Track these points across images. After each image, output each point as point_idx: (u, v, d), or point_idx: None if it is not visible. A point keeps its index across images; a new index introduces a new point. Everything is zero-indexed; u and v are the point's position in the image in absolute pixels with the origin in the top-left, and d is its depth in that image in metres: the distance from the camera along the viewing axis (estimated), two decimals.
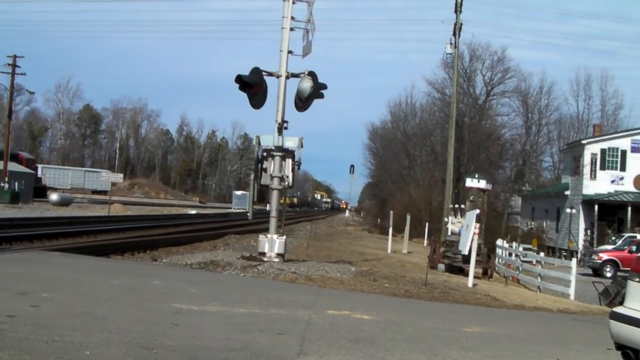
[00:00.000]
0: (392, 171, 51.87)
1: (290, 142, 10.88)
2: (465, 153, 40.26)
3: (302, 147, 10.82)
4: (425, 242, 31.41)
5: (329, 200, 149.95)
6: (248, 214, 11.71)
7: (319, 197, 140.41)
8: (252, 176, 11.36)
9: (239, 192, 62.06)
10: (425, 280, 10.16)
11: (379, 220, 50.02)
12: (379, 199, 59.11)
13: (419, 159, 47.44)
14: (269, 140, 10.85)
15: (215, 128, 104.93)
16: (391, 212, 23.15)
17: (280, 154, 10.86)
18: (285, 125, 10.84)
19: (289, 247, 17.60)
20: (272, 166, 11.02)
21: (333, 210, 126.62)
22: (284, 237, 11.13)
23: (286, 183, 11.09)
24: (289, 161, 11.08)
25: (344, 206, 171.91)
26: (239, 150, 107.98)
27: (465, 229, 12.85)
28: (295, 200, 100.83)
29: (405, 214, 25.37)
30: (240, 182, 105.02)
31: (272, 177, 11.04)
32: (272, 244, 10.93)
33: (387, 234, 27.34)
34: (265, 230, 11.37)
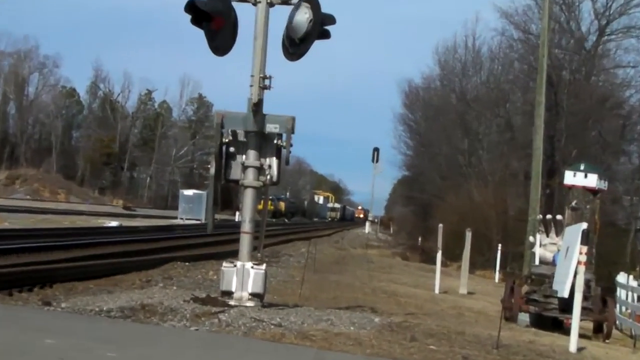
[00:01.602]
0: (441, 158, 52.03)
1: (274, 127, 10.98)
2: (563, 129, 40.20)
3: (293, 131, 10.89)
4: (497, 276, 31.54)
5: (337, 205, 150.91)
6: (206, 224, 11.89)
7: (321, 201, 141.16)
8: (212, 166, 11.40)
9: (189, 192, 62.28)
10: (497, 341, 10.13)
11: (419, 239, 50.27)
12: (420, 205, 59.36)
13: (486, 138, 47.57)
14: (238, 122, 10.93)
15: (152, 86, 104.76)
16: (440, 226, 23.21)
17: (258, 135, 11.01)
18: (266, 82, 10.84)
19: (273, 282, 17.40)
20: (244, 151, 11.08)
21: (344, 222, 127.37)
22: (264, 266, 11.15)
23: (268, 177, 11.12)
24: (272, 144, 11.15)
25: (361, 215, 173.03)
26: (190, 123, 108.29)
27: (564, 255, 12.81)
28: (282, 205, 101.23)
29: (463, 230, 25.47)
30: (191, 176, 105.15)
31: (245, 168, 11.06)
32: (243, 277, 10.95)
33: (433, 262, 27.36)
34: (233, 255, 11.41)
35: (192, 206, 58.93)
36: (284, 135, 10.93)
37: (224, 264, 11.14)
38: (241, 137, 11.03)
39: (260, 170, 10.97)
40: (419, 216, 58.74)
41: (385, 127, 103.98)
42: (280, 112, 11.08)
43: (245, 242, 10.94)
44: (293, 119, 10.87)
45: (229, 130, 11.00)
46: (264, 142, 10.97)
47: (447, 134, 50.84)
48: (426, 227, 49.41)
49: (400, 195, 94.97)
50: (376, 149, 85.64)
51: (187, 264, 20.61)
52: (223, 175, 11.10)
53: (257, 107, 10.69)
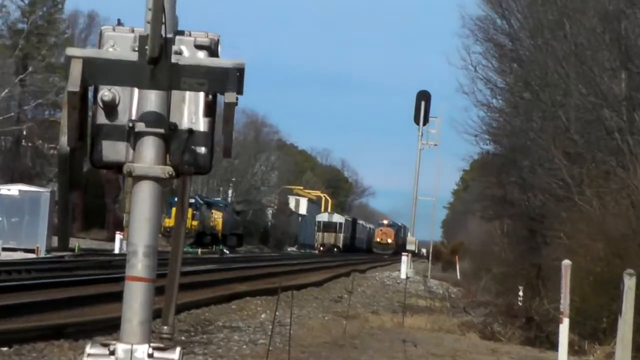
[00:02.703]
0: (567, 114, 51.96)
1: (198, 84, 10.89)
2: None
3: (240, 91, 10.72)
4: None
5: (338, 218, 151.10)
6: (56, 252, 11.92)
7: (303, 209, 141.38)
8: (64, 132, 11.28)
9: (11, 191, 61.75)
10: None
11: (519, 291, 50.06)
12: (522, 217, 59.37)
13: None
14: (120, 76, 10.83)
15: None
16: (564, 263, 23.22)
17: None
18: None
19: None
20: (132, 99, 10.96)
21: (353, 254, 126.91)
22: (177, 353, 11.07)
23: (186, 157, 10.97)
24: (198, 94, 11.02)
25: (390, 239, 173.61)
26: (14, 38, 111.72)
27: None
28: (216, 219, 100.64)
29: (617, 273, 25.38)
30: (18, 156, 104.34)
31: (135, 136, 10.91)
32: None
33: (550, 343, 27.12)
34: (110, 329, 11.35)
35: (17, 221, 58.59)
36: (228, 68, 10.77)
37: (89, 349, 10.97)
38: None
39: (169, 141, 10.74)
40: (520, 241, 58.83)
41: (442, 48, 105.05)
42: (216, 29, 10.95)
43: (136, 300, 10.71)
44: (240, 69, 10.56)
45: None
46: (177, 70, 10.78)
47: (580, 63, 50.84)
48: (535, 266, 49.42)
49: (477, 196, 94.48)
50: (423, 96, 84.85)
51: (5, 349, 20.64)
52: (88, 154, 10.89)
53: (156, 61, 10.49)
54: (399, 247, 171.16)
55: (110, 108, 10.84)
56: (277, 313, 23.60)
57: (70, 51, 10.54)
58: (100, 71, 10.67)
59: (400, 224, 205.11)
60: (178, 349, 10.92)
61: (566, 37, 53.13)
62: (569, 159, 49.58)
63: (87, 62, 10.56)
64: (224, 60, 10.64)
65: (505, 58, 64.15)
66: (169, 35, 10.51)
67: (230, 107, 10.54)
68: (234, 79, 10.56)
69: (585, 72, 50.41)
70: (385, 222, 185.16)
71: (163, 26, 10.47)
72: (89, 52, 10.69)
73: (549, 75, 54.36)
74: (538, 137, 53.94)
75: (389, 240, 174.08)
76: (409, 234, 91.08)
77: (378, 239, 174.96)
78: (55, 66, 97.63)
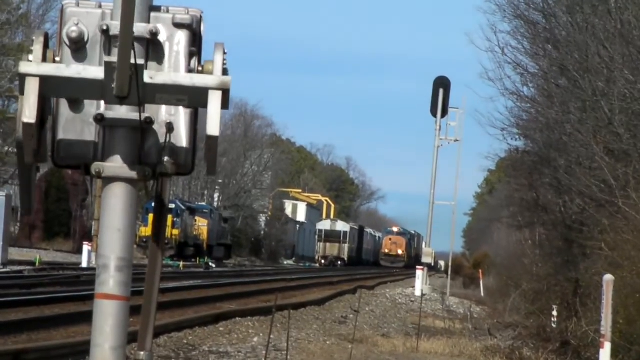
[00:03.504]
0: (611, 104, 52.03)
1: (178, 100, 10.85)
2: None
3: (226, 106, 10.67)
4: None
5: (343, 227, 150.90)
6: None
7: (301, 216, 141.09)
8: (20, 125, 11.26)
9: None
10: None
11: (553, 311, 50.11)
12: (558, 226, 59.37)
13: None
14: (83, 91, 10.76)
15: None
16: (606, 278, 23.16)
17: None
18: None
19: None
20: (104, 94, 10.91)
21: (358, 270, 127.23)
22: None
23: (163, 156, 10.94)
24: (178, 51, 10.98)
25: (401, 250, 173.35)
26: None
27: None
28: (201, 227, 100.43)
29: None
30: None
31: (105, 131, 10.90)
32: None
33: None
34: (78, 354, 11.34)
35: None
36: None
37: None
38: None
39: (144, 136, 10.71)
40: (555, 253, 58.83)
41: (464, 26, 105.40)
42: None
43: (107, 322, 10.66)
44: (224, 89, 10.45)
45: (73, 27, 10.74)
46: (152, 41, 10.67)
47: (627, 43, 50.86)
48: (572, 282, 49.43)
49: (505, 201, 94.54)
50: (442, 83, 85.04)
51: None
52: (50, 151, 10.85)
53: (124, 99, 10.42)
54: (411, 260, 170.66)
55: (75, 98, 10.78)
56: (271, 336, 23.57)
57: (25, 67, 10.23)
58: (61, 87, 10.51)
59: (413, 232, 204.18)
60: None
61: (610, 13, 53.01)
62: (612, 156, 49.48)
63: (45, 80, 10.41)
64: (206, 77, 10.35)
65: (538, 38, 63.83)
66: (140, 62, 10.34)
67: (214, 120, 10.38)
68: (217, 97, 10.33)
69: (632, 55, 50.31)
70: (394, 229, 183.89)
71: (132, 53, 10.32)
72: (48, 69, 10.45)
73: (589, 58, 54.22)
74: (576, 131, 53.84)
75: (400, 252, 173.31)
76: (423, 244, 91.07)
77: (386, 250, 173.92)
78: (9, 48, 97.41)
